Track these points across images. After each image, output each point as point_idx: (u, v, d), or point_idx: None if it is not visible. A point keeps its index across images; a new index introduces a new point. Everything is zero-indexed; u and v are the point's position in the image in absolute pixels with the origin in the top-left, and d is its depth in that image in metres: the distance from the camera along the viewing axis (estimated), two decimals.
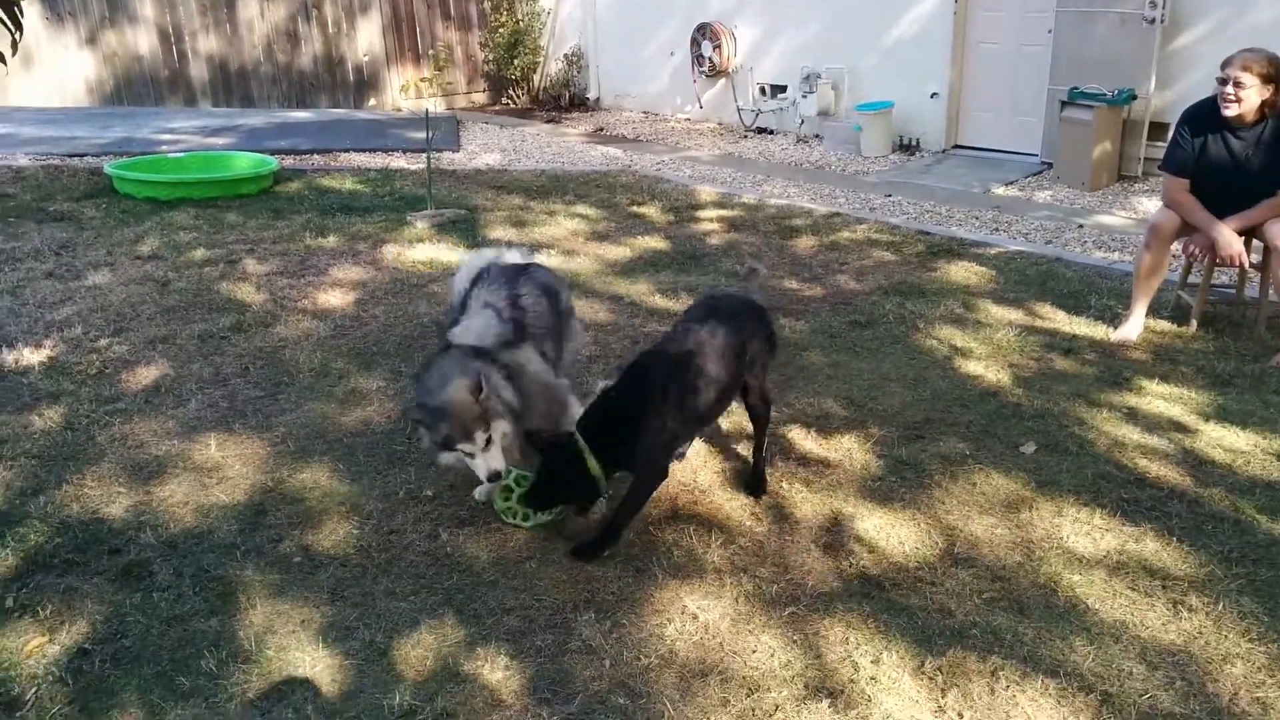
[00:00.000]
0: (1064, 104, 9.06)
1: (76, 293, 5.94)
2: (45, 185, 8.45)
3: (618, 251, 7.09)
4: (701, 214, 8.28)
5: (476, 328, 3.78)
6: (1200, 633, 3.07)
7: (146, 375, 4.85)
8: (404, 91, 13.59)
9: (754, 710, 2.78)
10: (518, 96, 14.76)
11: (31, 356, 5.01)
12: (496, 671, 2.93)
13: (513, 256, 4.33)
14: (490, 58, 14.63)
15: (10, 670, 2.90)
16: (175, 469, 4.02)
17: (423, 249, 6.99)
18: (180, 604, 3.21)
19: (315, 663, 2.95)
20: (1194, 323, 5.44)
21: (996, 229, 7.90)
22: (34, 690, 2.83)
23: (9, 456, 4.08)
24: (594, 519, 3.62)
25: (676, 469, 4.00)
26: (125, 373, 4.87)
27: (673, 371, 3.54)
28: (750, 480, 3.94)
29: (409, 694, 2.83)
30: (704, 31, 12.42)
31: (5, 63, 2.82)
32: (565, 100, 14.46)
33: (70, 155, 9.64)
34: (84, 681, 2.87)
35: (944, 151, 10.79)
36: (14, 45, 2.87)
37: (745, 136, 12.27)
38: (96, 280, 6.16)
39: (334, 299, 5.97)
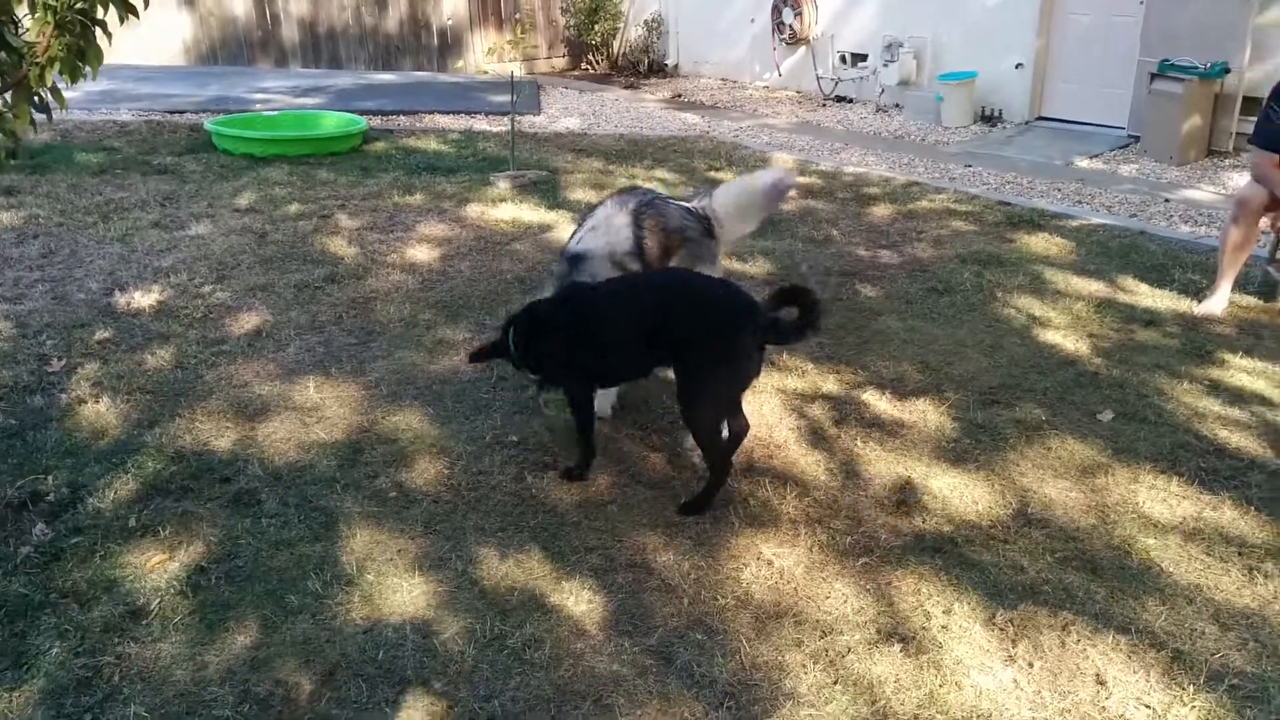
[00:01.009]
0: (1154, 76, 8.91)
1: (180, 242, 6.21)
2: (148, 139, 8.78)
3: None
4: None
5: (604, 231, 4.19)
6: (1275, 598, 3.12)
7: (248, 321, 5.09)
8: (490, 54, 13.78)
9: (827, 651, 2.90)
10: (597, 62, 14.85)
11: (142, 300, 5.28)
12: (580, 605, 3.08)
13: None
14: (571, 23, 14.73)
15: (136, 583, 3.14)
16: (277, 408, 4.24)
17: (505, 208, 7.15)
18: (287, 530, 3.42)
19: (412, 588, 3.14)
20: None
21: (1079, 201, 7.84)
22: (157, 601, 3.05)
23: (125, 391, 4.33)
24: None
25: (754, 421, 4.13)
26: (228, 318, 5.12)
27: (577, 311, 3.67)
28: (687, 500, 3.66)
29: (498, 620, 3.00)
30: None
31: (137, 15, 3.00)
32: (644, 66, 14.52)
33: (170, 112, 9.98)
34: (202, 596, 3.09)
35: (1027, 123, 10.67)
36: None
37: (824, 105, 12.24)
38: (199, 231, 6.43)
39: (421, 254, 6.16)
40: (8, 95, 2.94)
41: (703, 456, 3.66)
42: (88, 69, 2.83)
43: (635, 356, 3.64)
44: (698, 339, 3.44)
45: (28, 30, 2.85)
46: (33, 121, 2.97)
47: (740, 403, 3.70)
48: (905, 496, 3.66)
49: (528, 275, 5.80)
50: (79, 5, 2.64)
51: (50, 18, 2.65)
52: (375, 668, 2.81)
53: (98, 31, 2.79)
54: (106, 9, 2.76)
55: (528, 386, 4.42)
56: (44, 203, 6.83)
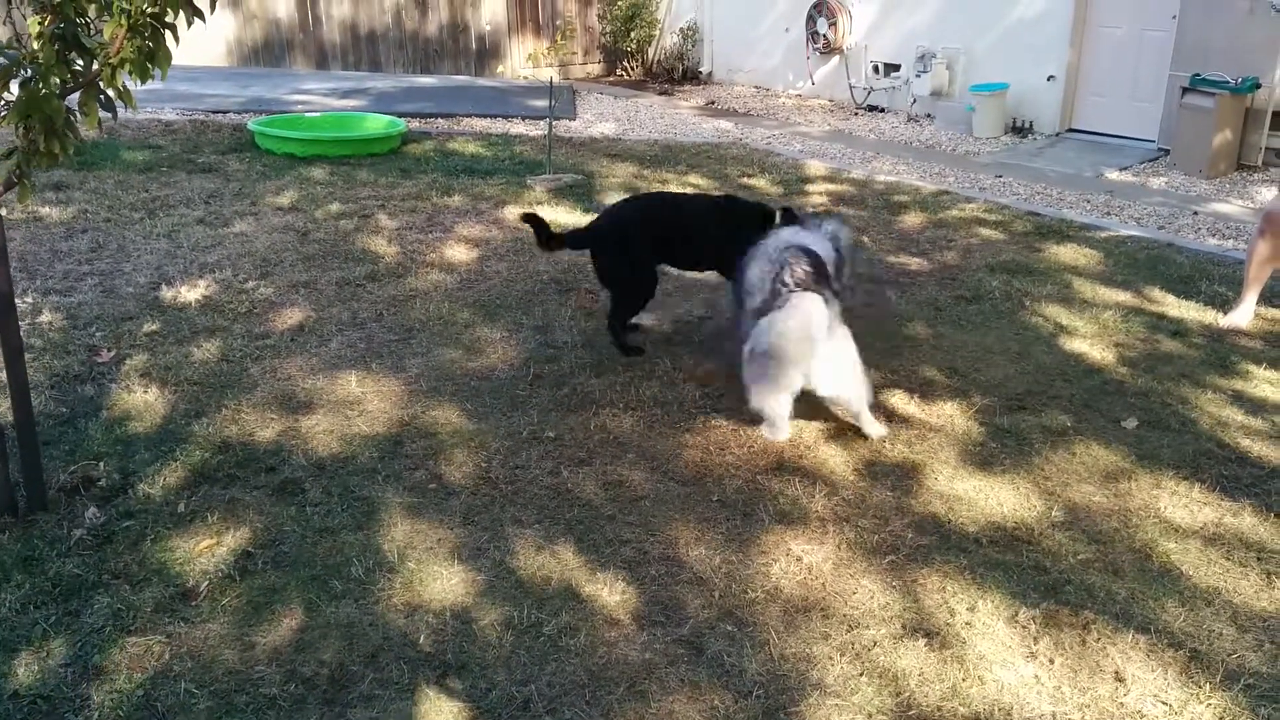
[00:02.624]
0: (1185, 90, 8.93)
1: (225, 239, 6.38)
2: (192, 139, 8.99)
3: None
4: (810, 187, 8.42)
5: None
6: None
7: (291, 316, 5.23)
8: (530, 60, 13.96)
9: (853, 644, 2.98)
10: (632, 69, 14.98)
11: (188, 294, 5.44)
12: (614, 595, 3.18)
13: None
14: (607, 30, 14.87)
15: (185, 566, 3.27)
16: (320, 401, 4.37)
17: (542, 211, 7.25)
18: (330, 518, 3.54)
19: (451, 576, 3.25)
20: None
21: (1108, 213, 7.88)
22: (206, 584, 3.18)
23: (173, 382, 4.48)
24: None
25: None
26: (272, 313, 5.26)
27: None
28: None
29: (535, 609, 3.10)
30: (820, 8, 12.46)
31: (204, 19, 3.13)
32: (678, 73, 14.63)
33: (213, 111, 10.20)
34: (249, 580, 3.21)
35: (1057, 135, 10.70)
36: (212, 3, 3.19)
37: (856, 114, 12.30)
38: (242, 228, 6.60)
39: (459, 254, 6.30)
40: (76, 95, 3.08)
41: None
42: (157, 70, 2.97)
43: None
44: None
45: (99, 32, 2.99)
46: (99, 120, 3.11)
47: None
48: (934, 496, 3.73)
49: (563, 276, 5.92)
50: (151, 9, 2.77)
51: (124, 20, 2.78)
52: (416, 651, 2.92)
53: (167, 34, 2.93)
54: (176, 13, 2.89)
55: (563, 384, 4.54)
56: (92, 199, 7.02)
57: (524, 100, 12.11)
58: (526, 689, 2.79)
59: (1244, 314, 5.36)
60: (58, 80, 2.94)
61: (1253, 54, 8.70)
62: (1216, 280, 6.05)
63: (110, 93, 3.10)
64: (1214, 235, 7.27)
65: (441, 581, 3.23)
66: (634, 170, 8.73)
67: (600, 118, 11.67)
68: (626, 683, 2.82)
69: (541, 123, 10.33)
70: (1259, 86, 8.68)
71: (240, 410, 4.26)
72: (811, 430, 4.22)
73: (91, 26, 3.01)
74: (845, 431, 4.21)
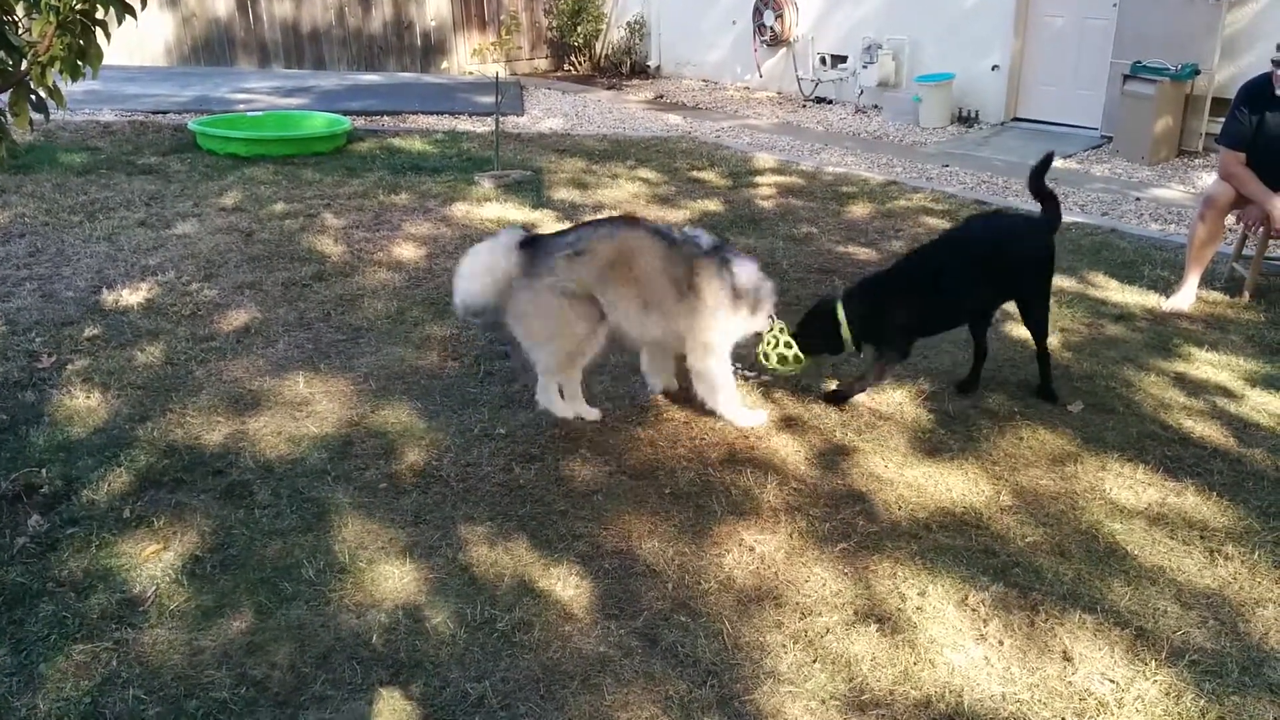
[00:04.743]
0: (1126, 78, 9.09)
1: (167, 241, 6.27)
2: (132, 140, 8.82)
3: (678, 214, 7.30)
4: (759, 180, 8.45)
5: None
6: (1235, 579, 3.25)
7: (237, 318, 5.15)
8: (476, 56, 13.86)
9: (806, 632, 3.00)
10: (579, 63, 14.94)
11: (130, 298, 5.34)
12: (568, 590, 3.18)
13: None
14: (554, 24, 14.82)
15: (131, 572, 3.21)
16: (268, 402, 4.31)
17: (490, 207, 7.23)
18: (280, 520, 3.49)
19: (403, 575, 3.22)
20: (1246, 294, 5.56)
21: None
22: (153, 589, 3.13)
23: (116, 386, 4.40)
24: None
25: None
26: (217, 315, 5.18)
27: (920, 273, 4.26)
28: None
29: (488, 605, 3.09)
30: (766, 0, 12.51)
31: (135, 16, 3.08)
32: (626, 68, 14.62)
33: (153, 112, 10.02)
34: (197, 584, 3.16)
35: (1003, 124, 10.83)
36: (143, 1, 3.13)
37: (804, 106, 12.37)
38: (185, 230, 6.49)
39: (407, 252, 6.24)
40: (5, 94, 3.01)
41: None
42: (88, 68, 2.91)
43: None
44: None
45: (28, 30, 2.92)
46: (31, 121, 3.04)
47: None
48: (883, 483, 3.77)
49: None
50: (80, 6, 2.71)
51: (53, 17, 2.72)
52: (369, 651, 2.89)
53: (98, 31, 2.87)
54: (107, 9, 2.83)
55: (514, 380, 4.52)
56: (29, 202, 6.87)
57: (470, 96, 12.03)
58: (480, 685, 2.77)
59: (1186, 297, 5.47)
60: None
61: (1192, 41, 8.87)
62: (1159, 264, 6.17)
63: (41, 92, 3.03)
64: (1156, 220, 7.40)
65: (394, 581, 3.20)
66: (583, 165, 8.71)
67: (548, 113, 11.62)
68: (581, 676, 2.82)
69: (488, 119, 10.28)
70: (1198, 73, 8.85)
71: (186, 414, 4.19)
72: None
73: (19, 24, 2.95)
74: (796, 421, 4.24)
